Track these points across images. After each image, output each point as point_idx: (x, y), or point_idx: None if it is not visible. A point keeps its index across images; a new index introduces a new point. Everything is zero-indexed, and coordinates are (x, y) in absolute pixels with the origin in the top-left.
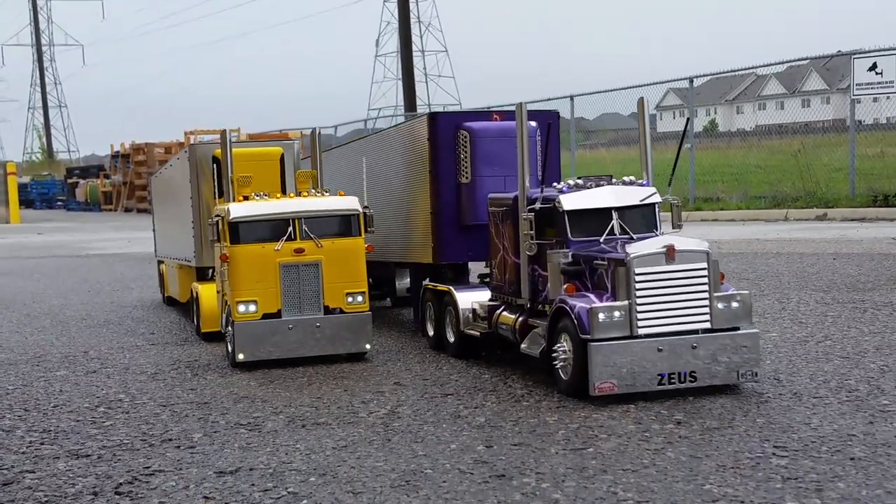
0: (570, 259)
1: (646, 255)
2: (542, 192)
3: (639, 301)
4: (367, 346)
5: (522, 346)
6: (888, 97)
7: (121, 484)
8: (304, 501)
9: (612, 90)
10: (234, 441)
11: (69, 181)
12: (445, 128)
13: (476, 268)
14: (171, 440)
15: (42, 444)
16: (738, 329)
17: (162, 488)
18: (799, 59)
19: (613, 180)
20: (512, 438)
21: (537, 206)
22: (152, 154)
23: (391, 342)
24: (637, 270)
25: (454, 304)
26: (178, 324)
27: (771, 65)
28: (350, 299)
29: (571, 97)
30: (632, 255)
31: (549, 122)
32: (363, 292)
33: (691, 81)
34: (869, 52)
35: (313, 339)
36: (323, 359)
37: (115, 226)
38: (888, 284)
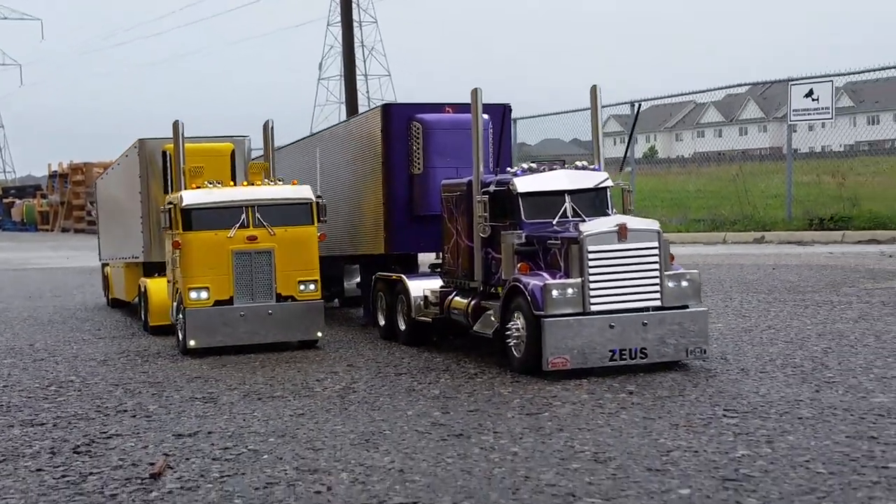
0: (523, 240)
1: (598, 233)
2: (496, 175)
3: (591, 278)
4: (319, 334)
5: (475, 327)
6: (822, 125)
7: (78, 446)
8: (266, 456)
9: (551, 114)
10: (190, 411)
11: (5, 201)
12: (398, 119)
13: (426, 260)
14: (125, 411)
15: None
16: (686, 307)
17: (121, 448)
18: (737, 85)
19: (566, 165)
20: (468, 406)
21: (491, 188)
22: (91, 174)
23: (341, 334)
24: (590, 248)
25: (406, 291)
26: (124, 321)
27: (710, 90)
28: (302, 287)
29: (515, 120)
30: (585, 234)
31: (503, 110)
32: (315, 280)
33: (632, 105)
34: (806, 78)
35: (265, 327)
36: (274, 345)
37: (53, 245)
38: (827, 288)
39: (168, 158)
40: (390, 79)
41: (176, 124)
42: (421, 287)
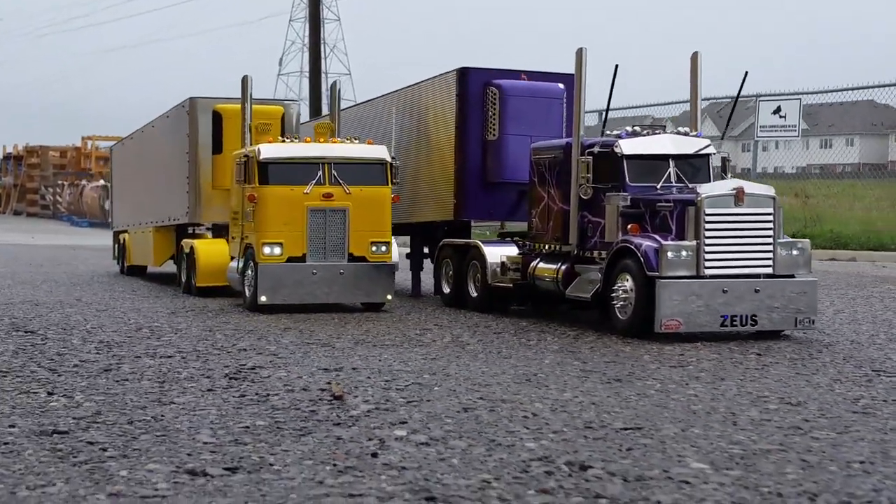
0: (628, 202)
1: (717, 195)
2: (602, 136)
3: (707, 241)
4: (389, 297)
5: (569, 291)
6: (777, 145)
7: (228, 374)
8: (437, 388)
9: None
10: (313, 353)
11: None
12: (475, 84)
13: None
14: (244, 350)
15: (109, 350)
16: (793, 276)
17: (275, 377)
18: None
19: (668, 129)
20: (600, 359)
21: (596, 149)
22: (47, 157)
23: (397, 301)
24: (707, 211)
25: (481, 258)
26: (153, 285)
27: (667, 104)
28: (374, 248)
29: None
30: (703, 195)
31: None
32: (388, 242)
33: (600, 114)
34: (774, 95)
35: (336, 286)
36: (340, 306)
37: (7, 227)
38: (852, 288)
39: (219, 119)
40: (350, 78)
41: (245, 79)
42: (498, 253)
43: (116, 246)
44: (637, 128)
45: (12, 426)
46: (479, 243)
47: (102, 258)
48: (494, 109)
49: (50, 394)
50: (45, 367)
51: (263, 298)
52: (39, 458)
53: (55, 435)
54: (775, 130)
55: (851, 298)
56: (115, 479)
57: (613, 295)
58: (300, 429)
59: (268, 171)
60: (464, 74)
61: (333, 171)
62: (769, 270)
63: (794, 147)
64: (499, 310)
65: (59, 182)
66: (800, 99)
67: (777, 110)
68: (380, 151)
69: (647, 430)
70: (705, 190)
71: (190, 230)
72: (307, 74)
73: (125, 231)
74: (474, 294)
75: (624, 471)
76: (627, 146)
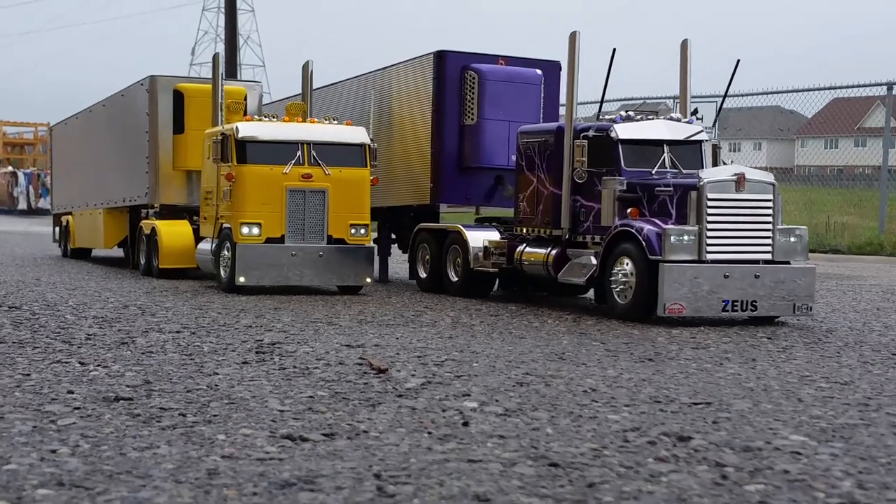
0: (624, 187)
1: (719, 180)
2: (597, 119)
3: (709, 226)
4: (368, 280)
5: (561, 275)
6: None
7: (252, 349)
8: (475, 364)
9: None
10: (322, 330)
11: None
12: (452, 67)
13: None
14: (251, 326)
15: (108, 325)
16: (790, 263)
17: (302, 352)
18: (626, 99)
19: (660, 116)
20: (617, 340)
21: (591, 133)
22: None
23: (371, 287)
24: (709, 196)
25: (462, 242)
26: (106, 269)
27: (654, 98)
28: (353, 231)
29: None
30: (705, 180)
31: (557, 66)
32: (366, 225)
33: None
34: (697, 97)
35: (315, 269)
36: (316, 289)
37: None
38: None
39: (180, 97)
40: (265, 70)
41: (216, 57)
42: (480, 238)
43: (58, 228)
44: (631, 112)
45: (70, 392)
46: (461, 227)
47: (35, 242)
48: (473, 94)
49: (82, 363)
50: (58, 339)
51: (242, 279)
52: (123, 422)
53: (120, 401)
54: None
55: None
56: (216, 442)
57: (612, 279)
58: (366, 399)
59: (246, 150)
60: (441, 58)
61: (313, 151)
62: (768, 256)
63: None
64: (480, 294)
65: None
66: (716, 102)
67: (694, 112)
68: (360, 133)
69: (716, 405)
70: (707, 175)
71: (143, 212)
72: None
73: (68, 213)
74: (454, 279)
75: (725, 442)
76: (623, 130)
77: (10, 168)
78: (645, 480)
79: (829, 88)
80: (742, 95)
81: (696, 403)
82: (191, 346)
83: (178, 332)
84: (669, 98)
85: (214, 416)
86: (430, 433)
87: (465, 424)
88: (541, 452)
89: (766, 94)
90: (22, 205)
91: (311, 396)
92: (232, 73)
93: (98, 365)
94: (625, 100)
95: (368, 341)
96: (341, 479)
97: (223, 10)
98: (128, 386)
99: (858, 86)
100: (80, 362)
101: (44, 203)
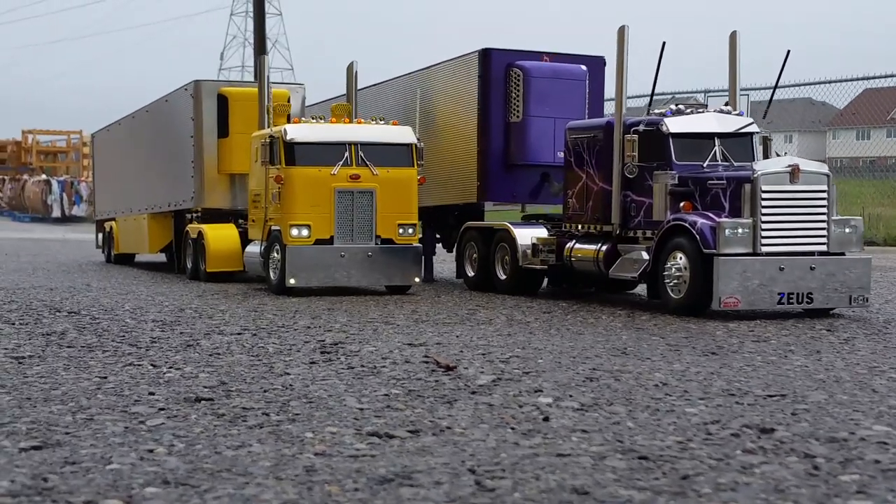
0: (676, 181)
1: (772, 172)
2: (647, 114)
3: (763, 219)
4: (417, 280)
5: (612, 271)
6: None
7: (316, 349)
8: (540, 361)
9: None
10: (381, 330)
11: None
12: (497, 65)
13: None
14: (309, 327)
15: (170, 328)
16: (845, 254)
17: (367, 351)
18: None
19: (710, 108)
20: (676, 335)
21: (641, 128)
22: None
23: (418, 286)
24: (764, 188)
25: (511, 240)
26: (153, 273)
27: (704, 91)
28: (401, 230)
29: None
30: (759, 173)
31: (602, 62)
32: (414, 224)
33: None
34: (718, 91)
35: (364, 269)
36: (365, 290)
37: None
38: None
39: (224, 102)
40: (293, 73)
41: (262, 60)
42: (528, 235)
43: (101, 235)
44: (681, 106)
45: (151, 394)
46: (509, 225)
47: (75, 249)
48: (518, 91)
49: (154, 365)
50: (124, 342)
51: (292, 281)
52: (210, 421)
53: (202, 402)
54: None
55: None
56: (305, 440)
57: (666, 273)
58: (441, 397)
59: (294, 152)
60: (486, 56)
61: (360, 152)
62: (823, 248)
63: None
64: (528, 292)
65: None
66: (747, 95)
67: (706, 105)
68: (406, 133)
69: (792, 397)
70: (761, 167)
71: (188, 216)
72: (249, 69)
73: (111, 219)
74: (503, 277)
75: (809, 433)
76: (673, 124)
77: (43, 176)
78: (738, 472)
79: (861, 79)
80: (771, 88)
81: (770, 396)
82: (255, 347)
83: (239, 334)
84: (699, 92)
85: (297, 414)
86: (512, 429)
87: (546, 419)
88: (627, 446)
89: (798, 85)
90: (56, 212)
91: (386, 394)
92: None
93: (170, 367)
94: (656, 95)
95: (429, 340)
96: (437, 475)
97: (251, 14)
98: (205, 387)
99: (890, 76)
100: (152, 364)
101: (77, 210)
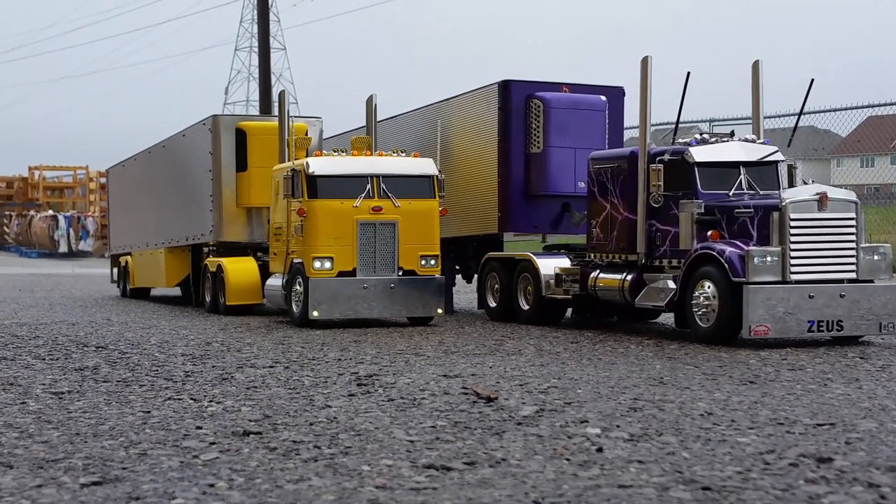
0: (702, 210)
1: (800, 200)
2: (672, 143)
3: (792, 247)
4: (439, 311)
5: (638, 300)
6: None
7: (351, 381)
8: (579, 391)
9: None
10: (413, 361)
11: None
12: (517, 96)
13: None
14: (340, 360)
15: (201, 362)
16: (873, 282)
17: (403, 383)
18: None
19: (735, 137)
20: (711, 364)
21: (666, 157)
22: None
23: (440, 317)
24: (792, 216)
25: (534, 270)
26: (171, 308)
27: (724, 120)
28: (424, 262)
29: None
30: (787, 201)
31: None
32: (436, 256)
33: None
34: (727, 120)
35: (386, 301)
36: (387, 321)
37: None
38: None
39: (243, 136)
40: (297, 107)
41: (282, 94)
42: (551, 265)
43: (116, 269)
44: (706, 135)
45: (199, 427)
46: (532, 255)
47: (87, 283)
48: (538, 122)
49: (195, 399)
50: (159, 377)
51: (315, 314)
52: (264, 455)
53: (251, 435)
54: None
55: None
56: (363, 473)
57: (694, 302)
58: (489, 428)
59: (317, 185)
60: (506, 87)
61: (382, 184)
62: (853, 275)
63: None
64: (551, 322)
65: (6, 213)
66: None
67: (731, 134)
68: (427, 165)
69: (841, 426)
70: (789, 195)
71: (205, 250)
72: (254, 103)
73: (127, 254)
74: (525, 307)
75: (868, 462)
76: (698, 153)
77: (50, 212)
78: (805, 503)
79: (865, 107)
80: (778, 116)
81: (819, 424)
82: (291, 380)
83: (271, 367)
84: (704, 122)
85: (348, 447)
86: (567, 460)
87: (600, 450)
88: (688, 477)
89: (803, 114)
90: (63, 248)
91: (433, 426)
92: (266, 110)
93: (210, 401)
94: (659, 124)
95: (463, 371)
96: None
97: (255, 49)
98: (250, 420)
99: (893, 104)
100: (192, 398)
101: (84, 245)
